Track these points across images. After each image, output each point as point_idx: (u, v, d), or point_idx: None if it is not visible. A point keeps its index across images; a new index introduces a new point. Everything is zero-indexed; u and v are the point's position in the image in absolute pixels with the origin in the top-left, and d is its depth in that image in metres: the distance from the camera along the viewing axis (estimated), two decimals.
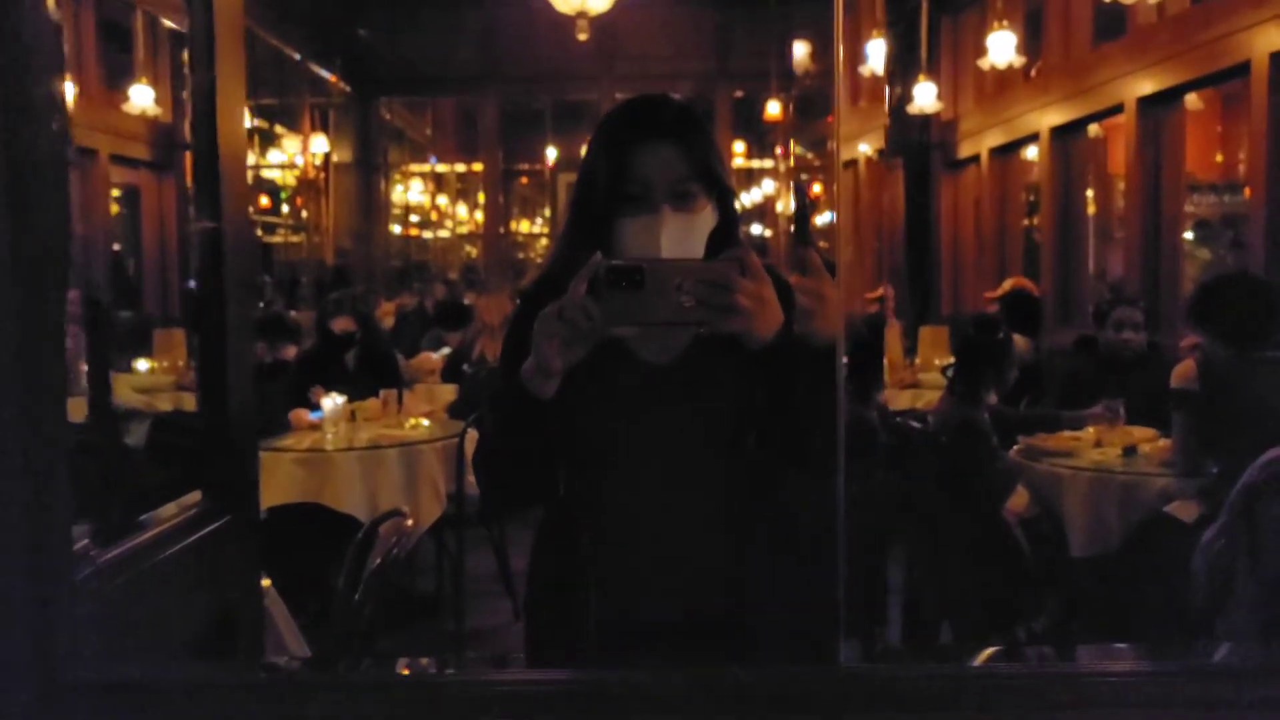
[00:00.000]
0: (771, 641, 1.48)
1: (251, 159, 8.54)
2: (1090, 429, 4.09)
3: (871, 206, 9.77)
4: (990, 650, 1.17)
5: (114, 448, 4.22)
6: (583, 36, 5.76)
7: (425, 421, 4.56)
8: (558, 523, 1.55)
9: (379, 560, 2.10)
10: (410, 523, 2.21)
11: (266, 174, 9.06)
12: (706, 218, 1.46)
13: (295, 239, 9.08)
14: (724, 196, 1.50)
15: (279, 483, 4.18)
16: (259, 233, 8.71)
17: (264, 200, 9.14)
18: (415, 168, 10.81)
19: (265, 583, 2.22)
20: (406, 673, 1.13)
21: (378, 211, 9.91)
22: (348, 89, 9.10)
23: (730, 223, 1.51)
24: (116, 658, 0.93)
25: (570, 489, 1.52)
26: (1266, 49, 4.44)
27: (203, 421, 1.27)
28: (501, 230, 11.38)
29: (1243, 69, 4.64)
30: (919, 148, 9.41)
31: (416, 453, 4.16)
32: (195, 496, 1.29)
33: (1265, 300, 3.41)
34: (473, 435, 4.14)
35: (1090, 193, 7.31)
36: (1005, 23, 6.27)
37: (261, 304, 7.29)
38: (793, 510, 1.55)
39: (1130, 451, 3.82)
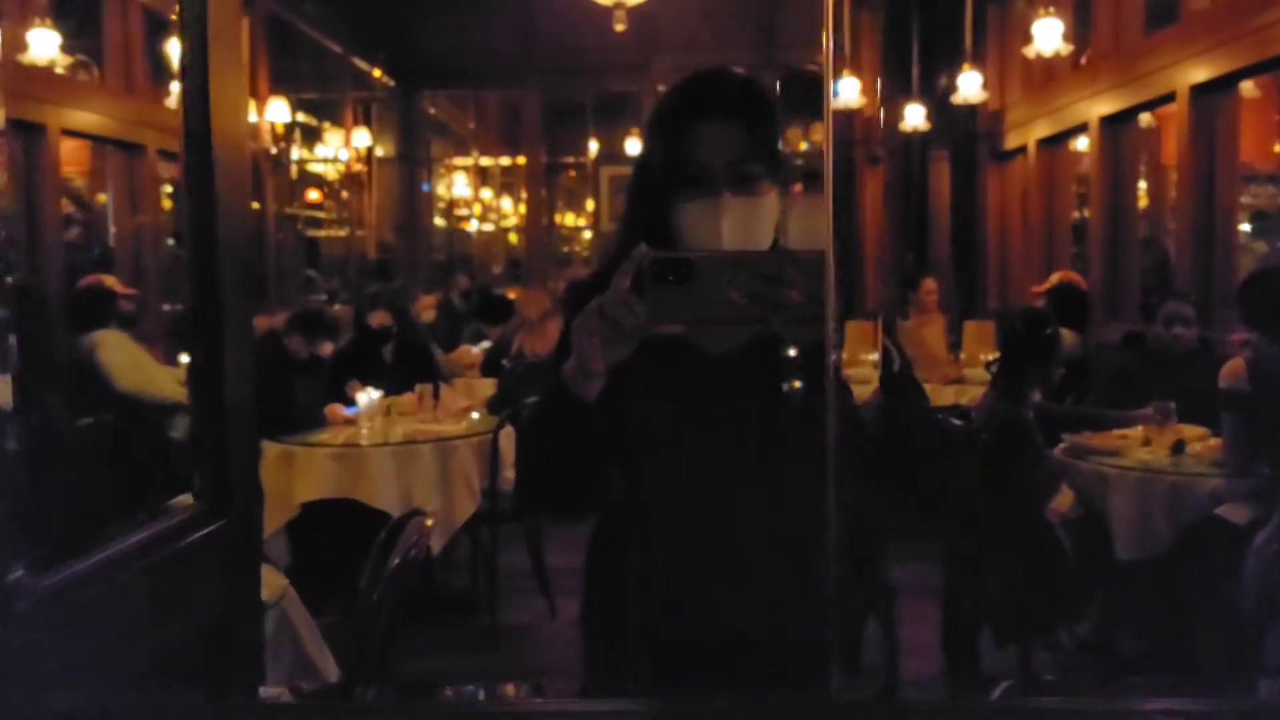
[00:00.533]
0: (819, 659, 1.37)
1: (296, 153, 8.58)
2: (1139, 427, 3.97)
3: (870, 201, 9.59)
4: (1006, 683, 1.11)
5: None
6: (620, 27, 5.71)
7: (476, 415, 4.56)
8: (614, 532, 1.45)
9: (397, 561, 2.07)
10: (430, 522, 2.17)
11: (314, 168, 9.10)
12: (772, 204, 1.36)
13: (341, 233, 9.12)
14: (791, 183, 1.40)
15: (313, 479, 4.18)
16: (300, 226, 8.75)
17: (312, 194, 9.18)
18: (459, 161, 10.82)
19: (281, 584, 2.20)
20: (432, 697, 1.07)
21: (420, 205, 9.92)
22: (390, 83, 9.12)
23: None
24: (72, 683, 0.88)
25: (626, 494, 1.41)
26: None
27: (195, 419, 1.24)
28: (544, 223, 11.37)
29: None
30: (965, 138, 9.26)
31: (451, 448, 4.13)
32: (187, 499, 1.26)
33: None
34: (508, 431, 4.11)
35: (1143, 185, 7.14)
36: (1052, 9, 6.12)
37: (310, 298, 7.34)
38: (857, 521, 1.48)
39: (1179, 449, 3.70)
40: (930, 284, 7.16)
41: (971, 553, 3.77)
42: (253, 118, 6.67)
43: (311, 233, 9.05)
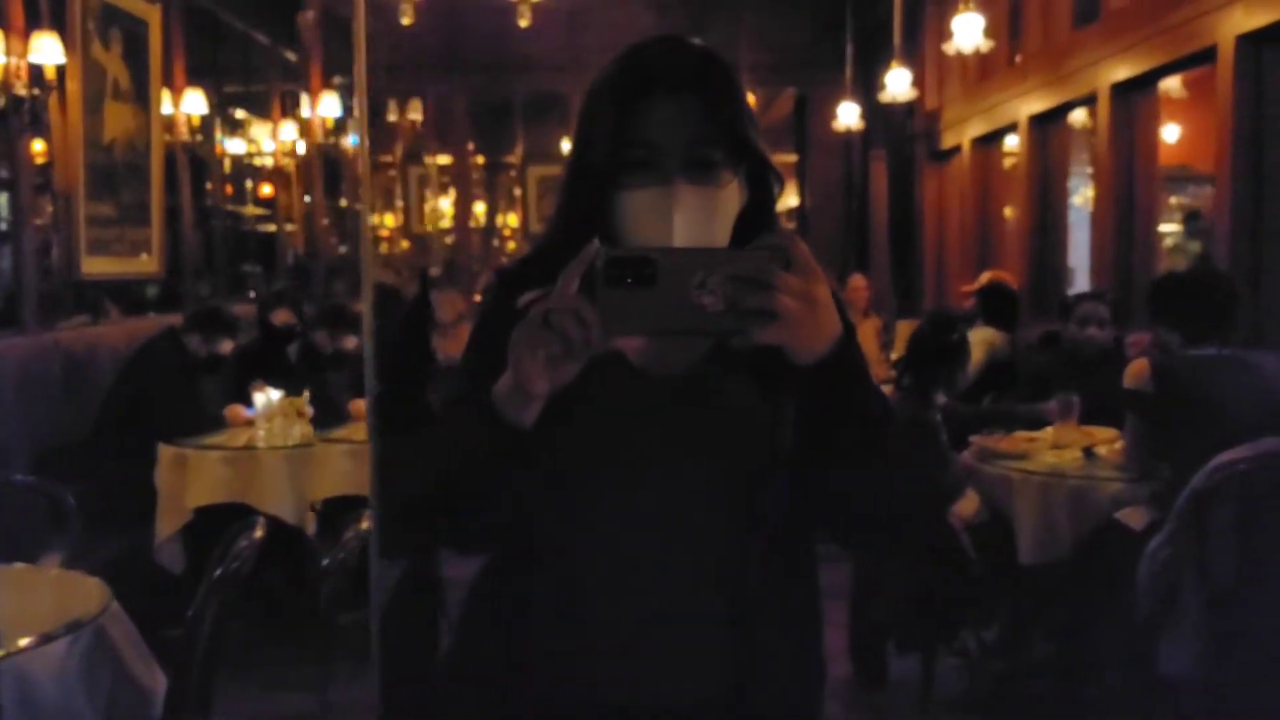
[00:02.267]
0: None
1: (241, 147, 8.39)
2: (1049, 430, 3.93)
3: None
4: None
5: None
6: (524, 23, 5.60)
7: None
8: (509, 575, 1.21)
9: (218, 573, 1.95)
10: (260, 534, 2.05)
11: (259, 161, 8.87)
12: (732, 195, 1.15)
13: (292, 228, 8.90)
14: (757, 169, 1.18)
15: (205, 483, 4.05)
16: (248, 222, 8.53)
17: (266, 189, 8.97)
18: (389, 158, 10.64)
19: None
20: None
21: (352, 202, 9.74)
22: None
23: (764, 204, 1.20)
24: None
25: (530, 532, 1.16)
26: (1233, 32, 4.26)
27: None
28: (481, 224, 11.22)
29: (1210, 54, 4.46)
30: (902, 138, 9.24)
31: (351, 452, 4.01)
32: None
33: (1223, 294, 3.24)
34: None
35: (1084, 184, 7.13)
36: (972, 4, 6.06)
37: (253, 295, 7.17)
38: (810, 573, 1.25)
39: (1089, 454, 3.66)
40: (858, 281, 7.12)
41: (878, 553, 3.70)
42: (167, 109, 6.49)
43: (264, 228, 8.82)
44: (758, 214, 1.19)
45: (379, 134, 9.68)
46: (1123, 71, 5.40)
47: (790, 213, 11.02)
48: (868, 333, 6.76)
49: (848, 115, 8.65)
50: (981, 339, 5.29)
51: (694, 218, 1.11)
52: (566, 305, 0.99)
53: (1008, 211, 7.98)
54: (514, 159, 11.01)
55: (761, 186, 1.19)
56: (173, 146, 6.57)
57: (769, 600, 1.17)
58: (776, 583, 1.18)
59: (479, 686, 1.21)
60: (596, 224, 1.13)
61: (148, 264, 6.23)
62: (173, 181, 6.61)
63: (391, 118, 9.97)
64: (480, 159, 11.26)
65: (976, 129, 7.94)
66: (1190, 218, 7.94)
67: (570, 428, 1.11)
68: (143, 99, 6.07)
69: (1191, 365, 3.13)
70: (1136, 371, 3.24)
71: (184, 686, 1.91)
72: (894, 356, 6.58)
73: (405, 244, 11.37)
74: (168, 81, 6.49)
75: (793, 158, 10.63)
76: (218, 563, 2.02)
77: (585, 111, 1.19)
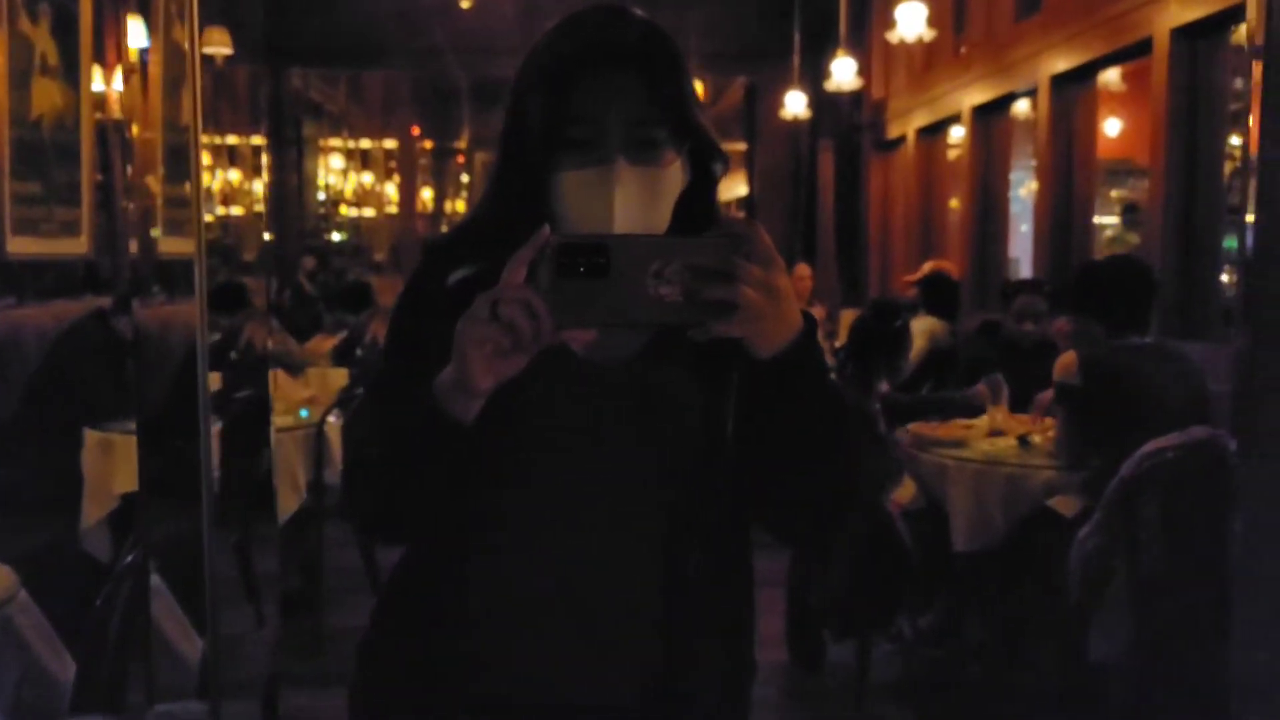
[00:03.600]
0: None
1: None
2: (985, 418, 3.95)
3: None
4: None
5: None
6: (465, 4, 5.52)
7: (305, 412, 4.33)
8: (436, 566, 1.15)
9: (129, 560, 1.89)
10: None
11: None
12: (674, 175, 1.11)
13: (239, 211, 8.72)
14: (700, 150, 1.14)
15: (132, 468, 3.95)
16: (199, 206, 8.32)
17: (232, 175, 8.79)
18: (335, 143, 10.50)
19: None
20: None
21: (291, 189, 9.58)
22: (257, 61, 8.79)
23: (706, 187, 1.16)
24: None
25: (460, 523, 1.12)
26: (1168, 25, 4.30)
27: None
28: (429, 210, 11.13)
29: (1146, 46, 4.51)
30: (849, 127, 9.27)
31: (275, 441, 3.93)
32: None
33: (1142, 283, 3.28)
34: (333, 423, 3.93)
35: (1027, 177, 7.19)
36: None
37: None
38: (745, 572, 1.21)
39: (1024, 442, 3.68)
40: (803, 270, 7.12)
41: (822, 546, 3.71)
42: (99, 87, 6.32)
43: (221, 212, 8.63)
44: (699, 195, 1.15)
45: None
46: (1062, 63, 5.44)
47: (739, 202, 11.03)
48: None
49: (795, 104, 8.67)
50: (923, 328, 5.32)
51: (635, 199, 1.07)
52: (515, 296, 0.93)
53: (953, 203, 8.04)
54: (461, 144, 10.92)
55: (703, 167, 1.15)
56: (105, 124, 6.41)
57: (703, 593, 1.14)
58: (711, 575, 1.15)
59: (400, 681, 1.17)
60: (532, 202, 1.09)
61: (78, 244, 6.07)
62: (107, 161, 6.45)
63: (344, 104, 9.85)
64: (427, 144, 11.16)
65: (921, 119, 7.99)
66: (1128, 210, 8.05)
67: (505, 417, 1.05)
68: (73, 76, 5.91)
69: (1119, 356, 3.17)
70: (1065, 364, 3.27)
71: (92, 676, 1.85)
72: (837, 345, 6.62)
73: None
74: (100, 58, 6.33)
75: (742, 146, 10.64)
76: (129, 550, 1.97)
77: (520, 83, 1.14)
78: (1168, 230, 4.32)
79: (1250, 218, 1.98)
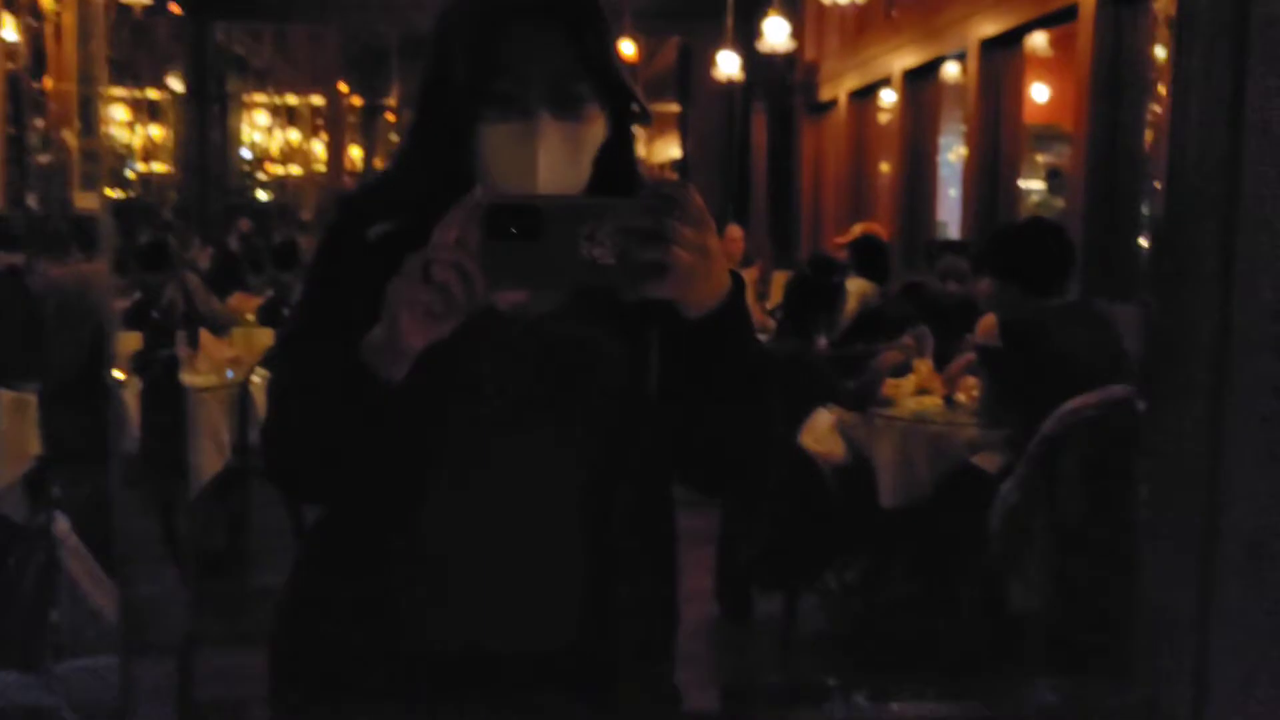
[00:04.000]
0: (625, 674, 1.16)
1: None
2: (912, 377, 4.01)
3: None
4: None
5: None
6: None
7: (231, 373, 4.25)
8: (359, 522, 1.13)
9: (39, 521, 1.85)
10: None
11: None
12: (597, 130, 1.10)
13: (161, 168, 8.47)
14: (620, 106, 1.12)
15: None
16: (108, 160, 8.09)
17: (154, 130, 8.53)
18: (260, 99, 10.24)
19: None
20: None
21: (214, 146, 9.34)
22: (179, 12, 8.54)
23: (625, 143, 1.14)
24: None
25: (384, 478, 1.10)
26: None
27: None
28: (351, 169, 10.95)
29: (1072, 11, 4.56)
30: (781, 89, 9.29)
31: (198, 400, 3.87)
32: None
33: (1057, 245, 3.33)
34: (258, 383, 3.87)
35: (957, 142, 7.26)
36: None
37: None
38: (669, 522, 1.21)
39: (950, 402, 3.75)
40: (735, 231, 7.15)
41: (746, 499, 3.75)
42: (9, 35, 6.10)
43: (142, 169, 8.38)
44: (617, 153, 1.13)
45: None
46: (991, 27, 5.49)
47: (672, 163, 11.01)
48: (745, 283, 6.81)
49: (728, 64, 8.64)
50: (853, 290, 5.37)
51: (559, 154, 1.06)
52: (448, 258, 0.93)
53: (883, 166, 8.10)
54: (391, 101, 10.74)
55: (623, 125, 1.14)
56: (17, 75, 6.19)
57: (626, 543, 1.15)
58: (634, 528, 1.15)
59: (322, 637, 1.15)
60: (453, 156, 1.08)
61: None
62: (19, 113, 6.24)
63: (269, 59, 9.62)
64: (356, 101, 10.96)
65: (853, 82, 8.02)
66: (1053, 175, 8.19)
67: (427, 372, 1.03)
68: None
69: (1037, 319, 3.22)
70: (986, 326, 3.34)
71: (4, 633, 1.81)
72: (769, 306, 6.66)
73: None
74: (10, 5, 6.10)
75: (675, 108, 10.61)
76: (39, 512, 1.92)
77: (441, 35, 1.11)
78: (1090, 195, 4.40)
79: (1158, 184, 2.02)
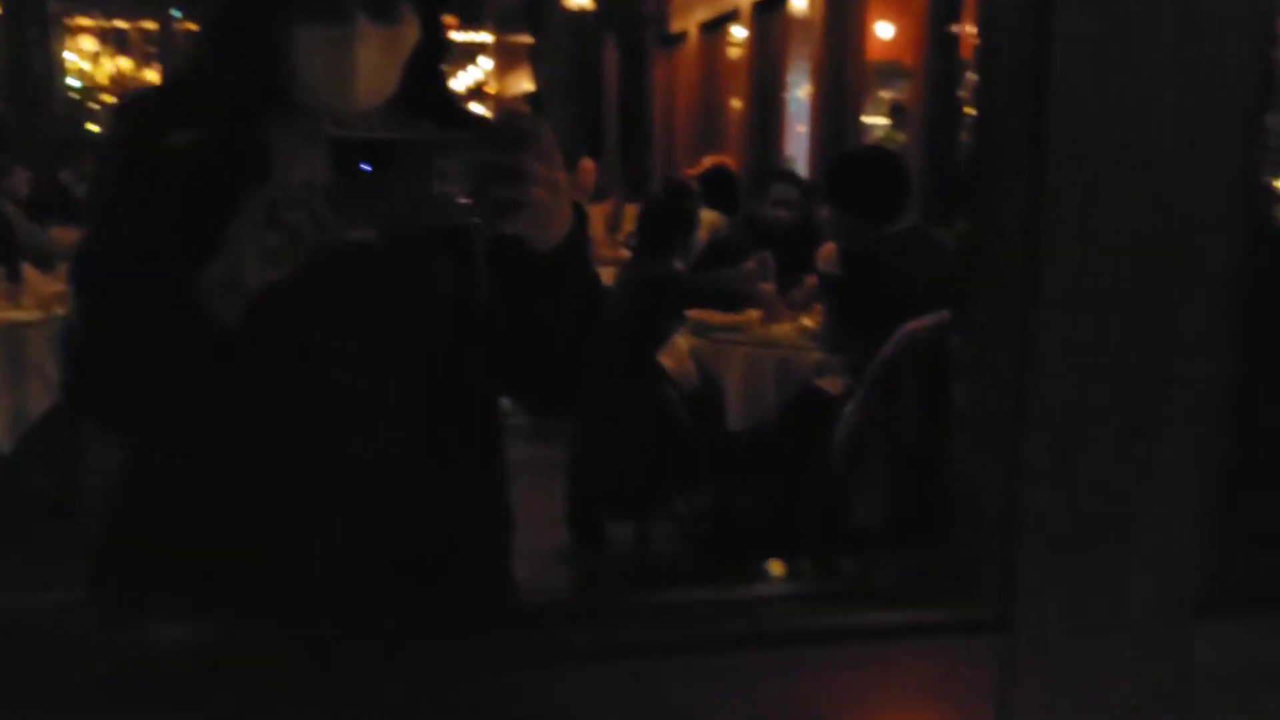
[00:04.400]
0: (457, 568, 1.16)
1: None
2: (759, 310, 4.10)
3: None
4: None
5: None
6: None
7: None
8: (182, 452, 1.10)
9: None
10: None
11: None
12: (411, 37, 1.07)
13: None
14: (432, 10, 1.10)
15: None
16: None
17: None
18: (85, 22, 9.64)
19: None
20: None
21: (38, 72, 8.76)
22: None
23: (437, 51, 1.12)
24: None
25: (209, 408, 1.07)
26: None
27: None
28: None
29: None
30: (633, 21, 9.24)
31: (20, 336, 3.68)
32: None
33: (892, 174, 3.44)
34: None
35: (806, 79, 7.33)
36: None
37: None
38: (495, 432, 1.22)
39: (796, 327, 3.85)
40: (587, 164, 7.13)
41: (596, 425, 3.79)
42: None
43: None
44: (428, 62, 1.12)
45: None
46: None
47: (524, 96, 10.86)
48: (596, 216, 6.82)
49: None
50: (703, 221, 5.43)
51: (376, 60, 1.04)
52: (295, 196, 0.90)
53: (734, 101, 8.17)
54: None
55: (436, 32, 1.12)
56: None
57: (454, 463, 1.16)
58: (461, 447, 1.16)
59: (146, 567, 1.13)
60: (260, 61, 1.04)
61: None
62: None
63: None
64: (189, 25, 10.43)
65: (703, 14, 8.04)
66: (896, 110, 8.39)
67: (256, 301, 1.01)
68: None
69: (875, 246, 3.32)
70: (826, 255, 3.44)
71: None
72: (621, 238, 6.68)
73: None
74: None
75: (527, 40, 10.45)
76: None
77: None
78: (928, 127, 4.54)
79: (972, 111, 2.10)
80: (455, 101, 1.25)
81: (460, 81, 11.74)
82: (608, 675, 0.86)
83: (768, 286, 4.03)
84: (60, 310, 3.97)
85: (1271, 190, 2.56)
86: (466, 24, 11.56)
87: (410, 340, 1.12)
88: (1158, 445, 0.90)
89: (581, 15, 9.10)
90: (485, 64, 11.67)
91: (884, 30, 7.29)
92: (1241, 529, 1.05)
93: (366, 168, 0.89)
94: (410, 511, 1.14)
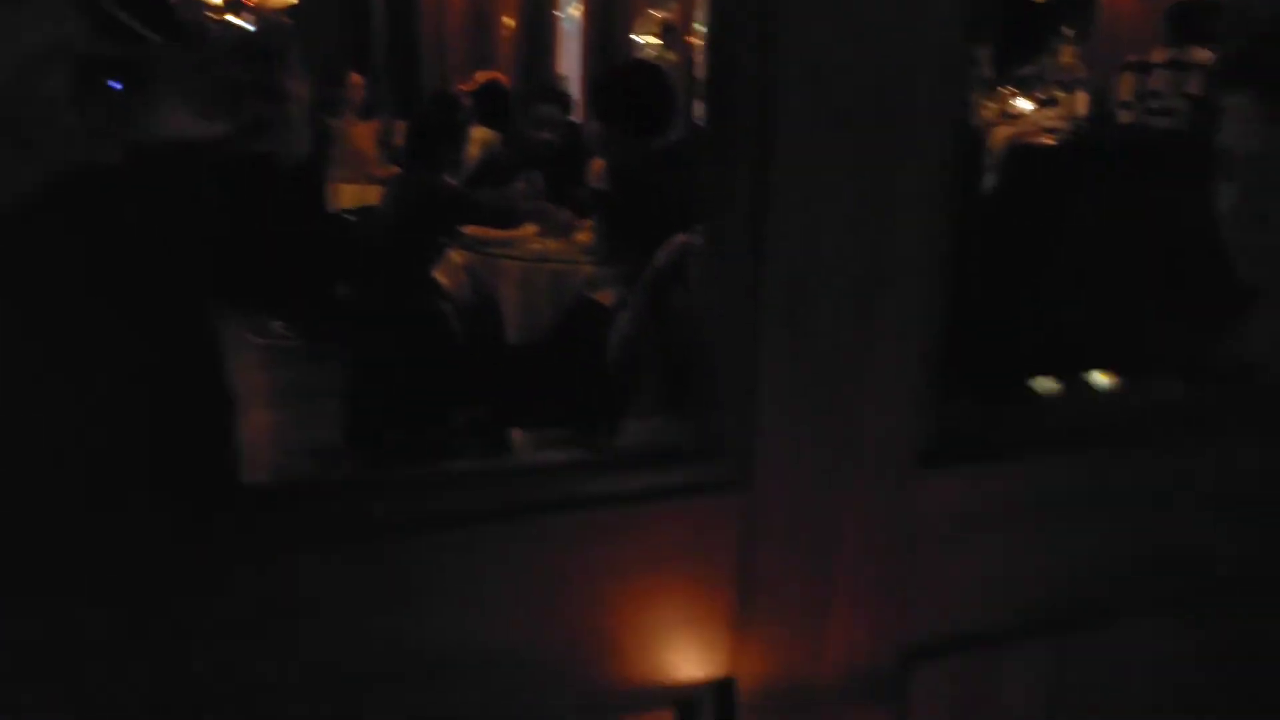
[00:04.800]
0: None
1: None
2: (533, 226, 4.13)
3: None
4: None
5: None
6: None
7: None
8: None
9: None
10: None
11: None
12: None
13: None
14: None
15: None
16: None
17: None
18: None
19: None
20: None
21: None
22: None
23: None
24: None
25: None
26: None
27: None
28: None
29: None
30: None
31: None
32: None
33: (658, 87, 3.50)
34: None
35: None
36: None
37: None
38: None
39: (570, 243, 3.91)
40: (356, 79, 6.88)
41: (372, 341, 3.75)
42: None
43: None
44: None
45: None
46: None
47: (285, 9, 10.29)
48: (365, 133, 6.61)
49: None
50: (476, 139, 5.37)
51: None
52: (41, 116, 0.86)
53: (507, 19, 8.04)
54: None
55: None
56: None
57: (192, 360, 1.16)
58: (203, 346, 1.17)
59: None
60: None
61: None
62: None
63: None
64: None
65: None
66: (667, 30, 8.48)
67: None
68: None
69: (642, 162, 3.39)
70: (596, 170, 3.49)
71: None
72: (390, 157, 6.51)
73: None
74: None
75: None
76: None
77: None
78: (711, 47, 4.63)
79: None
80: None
81: None
82: (352, 554, 0.90)
83: (539, 203, 4.07)
84: None
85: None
86: None
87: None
88: (880, 304, 1.00)
89: None
90: None
91: None
92: (964, 383, 1.18)
93: (117, 86, 0.88)
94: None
